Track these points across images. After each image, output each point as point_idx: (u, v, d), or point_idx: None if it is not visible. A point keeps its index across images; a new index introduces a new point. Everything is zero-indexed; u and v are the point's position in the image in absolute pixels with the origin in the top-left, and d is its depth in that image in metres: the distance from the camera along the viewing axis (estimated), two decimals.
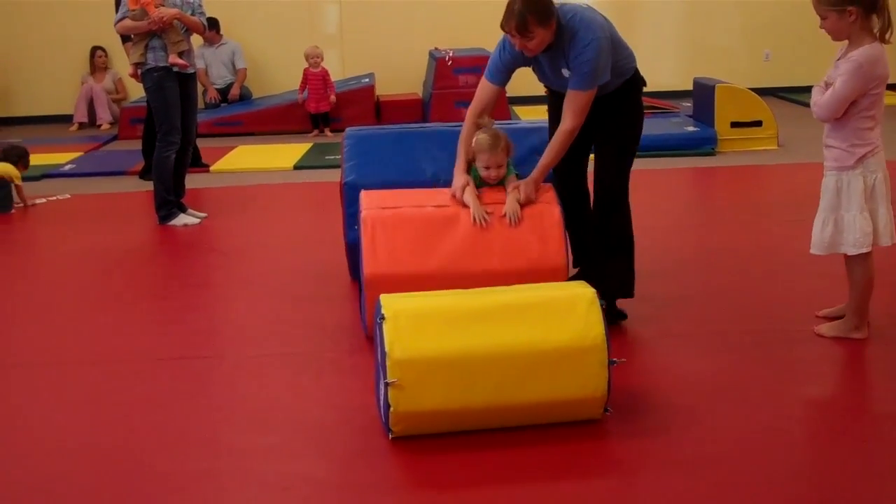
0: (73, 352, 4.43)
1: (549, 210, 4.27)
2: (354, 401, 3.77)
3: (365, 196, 4.43)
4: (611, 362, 3.41)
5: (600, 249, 4.46)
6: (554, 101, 4.48)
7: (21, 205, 7.21)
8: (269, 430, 3.59)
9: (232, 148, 9.51)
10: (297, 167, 8.68)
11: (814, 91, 4.12)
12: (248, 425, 3.65)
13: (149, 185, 6.88)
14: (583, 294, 3.50)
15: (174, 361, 4.29)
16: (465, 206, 4.23)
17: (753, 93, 8.84)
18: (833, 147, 4.08)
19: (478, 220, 4.18)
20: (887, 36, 3.95)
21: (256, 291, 5.16)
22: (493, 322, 3.40)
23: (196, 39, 7.34)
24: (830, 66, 4.09)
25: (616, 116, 4.36)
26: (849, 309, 4.21)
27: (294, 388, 3.95)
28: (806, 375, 3.99)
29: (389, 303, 3.44)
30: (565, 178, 4.53)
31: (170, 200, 6.57)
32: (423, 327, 3.37)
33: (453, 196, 4.29)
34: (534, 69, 4.41)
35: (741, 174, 7.89)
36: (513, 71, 4.37)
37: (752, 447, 3.35)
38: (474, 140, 4.27)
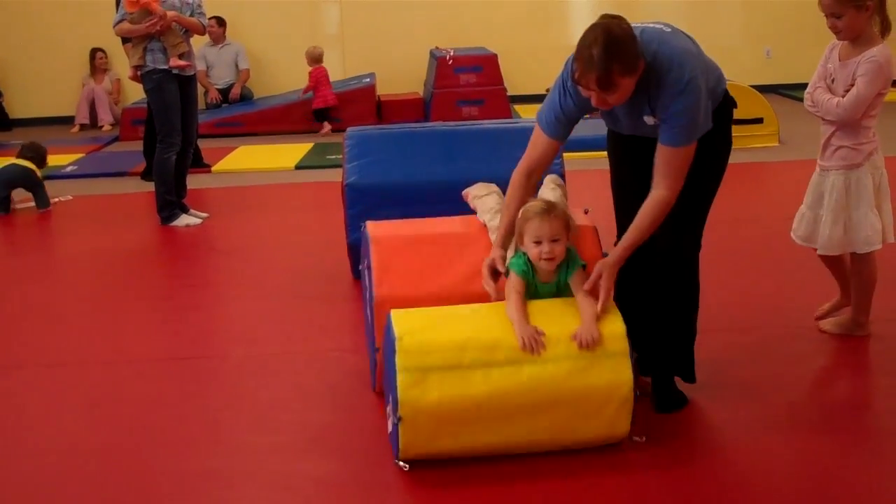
0: (76, 352, 4.44)
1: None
2: (358, 400, 3.77)
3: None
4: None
5: (660, 321, 3.58)
6: (620, 144, 3.57)
7: (26, 205, 7.23)
8: (272, 430, 3.60)
9: (233, 148, 9.52)
10: (298, 167, 8.68)
11: (818, 92, 4.08)
12: (252, 425, 3.66)
13: (150, 186, 6.89)
14: (618, 387, 3.17)
15: (177, 361, 4.30)
16: (491, 281, 3.39)
17: (754, 90, 8.84)
18: (841, 146, 4.03)
19: (527, 345, 3.14)
20: (888, 34, 3.96)
21: (258, 291, 5.17)
22: (514, 416, 3.17)
23: (199, 40, 7.34)
24: (820, 63, 4.10)
25: (698, 153, 3.32)
26: (855, 307, 4.21)
27: (297, 388, 3.96)
28: (814, 372, 4.00)
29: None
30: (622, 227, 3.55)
31: (171, 201, 6.57)
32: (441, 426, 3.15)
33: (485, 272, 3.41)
34: (602, 115, 3.51)
35: (742, 171, 7.88)
36: (577, 122, 3.44)
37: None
38: (521, 215, 3.27)
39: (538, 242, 3.23)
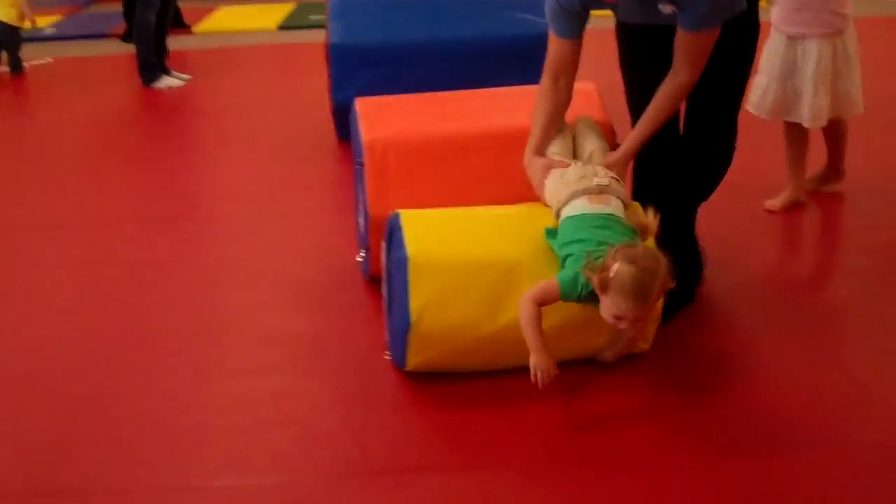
0: (62, 215, 4.46)
1: None
2: (343, 259, 3.82)
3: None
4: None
5: (689, 219, 3.37)
6: (631, 36, 3.24)
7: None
8: (259, 289, 3.65)
9: (214, 8, 9.37)
10: (281, 28, 8.58)
11: None
12: (239, 284, 3.71)
13: (131, 48, 6.81)
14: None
15: (163, 222, 4.32)
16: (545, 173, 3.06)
17: None
18: (822, 11, 3.89)
19: (538, 380, 2.73)
20: None
21: (243, 153, 5.17)
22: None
23: None
24: None
25: (726, 35, 2.97)
26: (835, 155, 4.25)
27: (283, 248, 4.00)
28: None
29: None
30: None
31: (153, 63, 6.52)
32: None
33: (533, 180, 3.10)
34: (609, 4, 3.09)
35: None
36: (586, 16, 3.04)
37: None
38: (614, 269, 2.62)
39: (619, 318, 2.67)
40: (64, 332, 3.42)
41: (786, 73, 3.99)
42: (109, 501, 2.56)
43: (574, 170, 3.01)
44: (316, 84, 5.66)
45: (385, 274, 3.15)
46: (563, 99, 3.12)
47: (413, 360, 2.94)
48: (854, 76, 4.00)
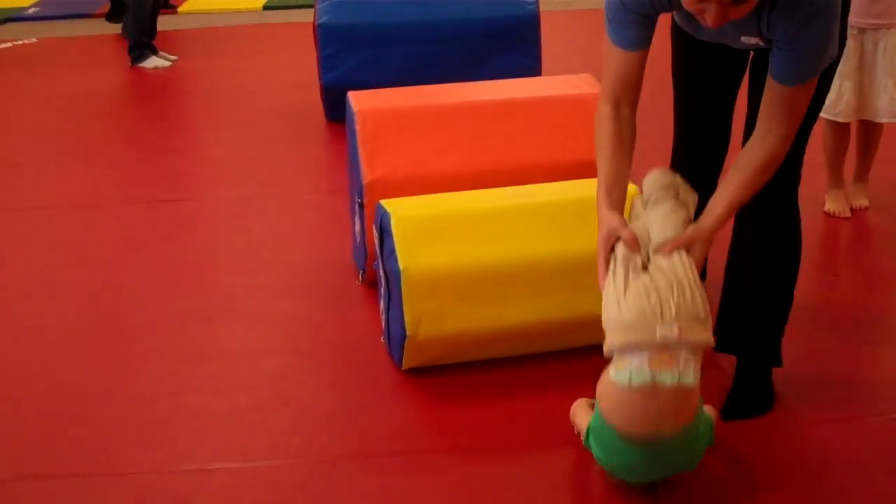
0: (50, 196, 4.41)
1: None
2: (334, 240, 3.81)
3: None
4: None
5: (752, 284, 2.74)
6: (693, 47, 2.69)
7: None
8: (251, 271, 3.64)
9: None
10: (266, 7, 8.51)
11: None
12: (231, 266, 3.70)
13: (117, 28, 6.76)
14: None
15: (153, 204, 4.30)
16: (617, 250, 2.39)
17: None
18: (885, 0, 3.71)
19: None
20: None
21: (231, 134, 5.14)
22: (518, 224, 2.93)
23: None
24: None
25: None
26: (867, 158, 4.03)
27: (274, 229, 3.99)
28: None
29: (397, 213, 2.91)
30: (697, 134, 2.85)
31: (144, 42, 6.48)
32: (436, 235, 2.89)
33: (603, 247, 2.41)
34: (677, 16, 2.59)
35: None
36: (654, 23, 2.45)
37: None
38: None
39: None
40: (54, 314, 3.40)
41: (854, 70, 3.75)
42: (106, 484, 2.56)
43: (635, 293, 2.29)
44: (304, 64, 5.63)
45: (380, 268, 3.08)
46: (627, 131, 2.46)
47: (410, 363, 2.94)
48: None
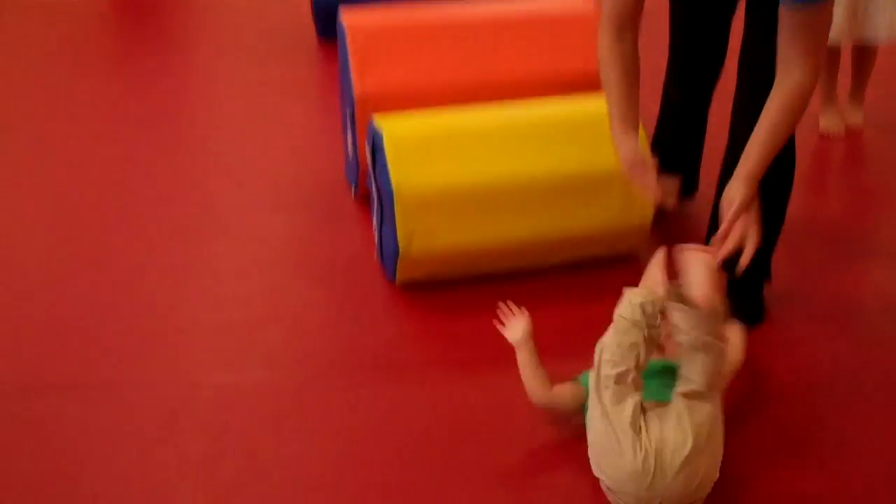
0: (34, 120, 4.34)
1: None
2: (325, 156, 3.80)
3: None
4: None
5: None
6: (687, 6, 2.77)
7: None
8: (242, 187, 3.63)
9: None
10: None
11: None
12: (223, 185, 3.68)
13: None
14: None
15: (144, 124, 4.24)
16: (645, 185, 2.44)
17: None
18: None
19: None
20: None
21: (221, 52, 5.07)
22: (514, 143, 2.93)
23: None
24: None
25: None
26: (863, 80, 4.01)
27: (265, 147, 3.96)
28: None
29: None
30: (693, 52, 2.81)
31: None
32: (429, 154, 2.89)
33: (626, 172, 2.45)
34: None
35: None
36: None
37: None
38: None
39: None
40: (46, 232, 3.38)
41: None
42: (95, 396, 2.56)
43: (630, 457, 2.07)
44: None
45: (372, 185, 3.08)
46: (631, 57, 2.43)
47: (403, 278, 2.95)
48: None
